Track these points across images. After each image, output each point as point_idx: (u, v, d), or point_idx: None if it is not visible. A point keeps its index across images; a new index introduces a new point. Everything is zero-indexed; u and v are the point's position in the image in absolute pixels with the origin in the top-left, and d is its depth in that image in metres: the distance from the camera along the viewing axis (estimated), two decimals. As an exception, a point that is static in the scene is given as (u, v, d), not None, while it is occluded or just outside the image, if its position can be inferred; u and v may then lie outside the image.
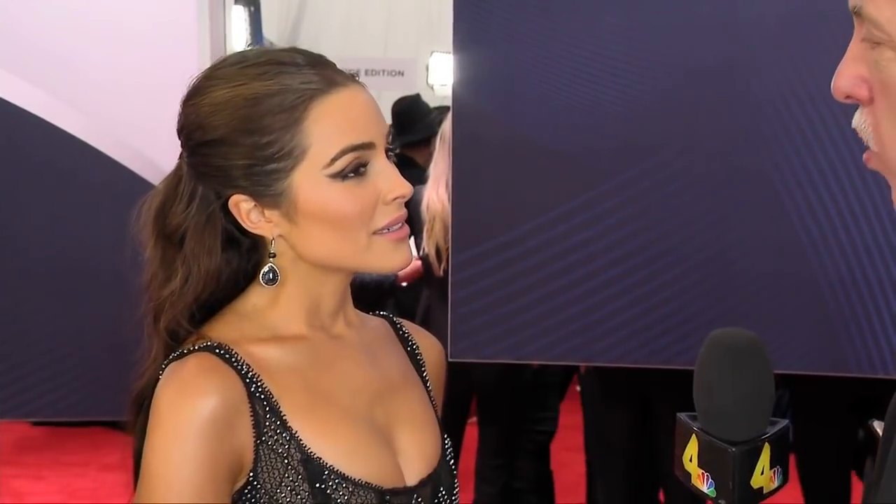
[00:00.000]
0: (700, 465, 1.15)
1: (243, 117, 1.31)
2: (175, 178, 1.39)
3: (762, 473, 1.13)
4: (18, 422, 5.58)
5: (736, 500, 1.12)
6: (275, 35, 8.51)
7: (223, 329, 1.36)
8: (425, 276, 4.20)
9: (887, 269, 2.91)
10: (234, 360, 1.32)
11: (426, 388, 1.51)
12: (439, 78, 7.30)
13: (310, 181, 1.32)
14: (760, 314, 3.00)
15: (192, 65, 2.62)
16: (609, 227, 3.03)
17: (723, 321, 3.01)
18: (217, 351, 1.32)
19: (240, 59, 1.36)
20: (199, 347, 1.33)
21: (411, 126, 5.29)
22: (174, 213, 1.37)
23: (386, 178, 1.34)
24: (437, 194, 3.89)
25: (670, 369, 3.20)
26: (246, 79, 1.33)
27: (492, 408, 4.19)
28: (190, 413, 1.27)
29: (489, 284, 3.06)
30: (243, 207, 1.34)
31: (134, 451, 1.35)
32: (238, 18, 7.01)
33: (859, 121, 0.99)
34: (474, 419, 4.34)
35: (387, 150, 1.37)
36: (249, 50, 1.40)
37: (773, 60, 2.88)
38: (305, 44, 10.08)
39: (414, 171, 5.03)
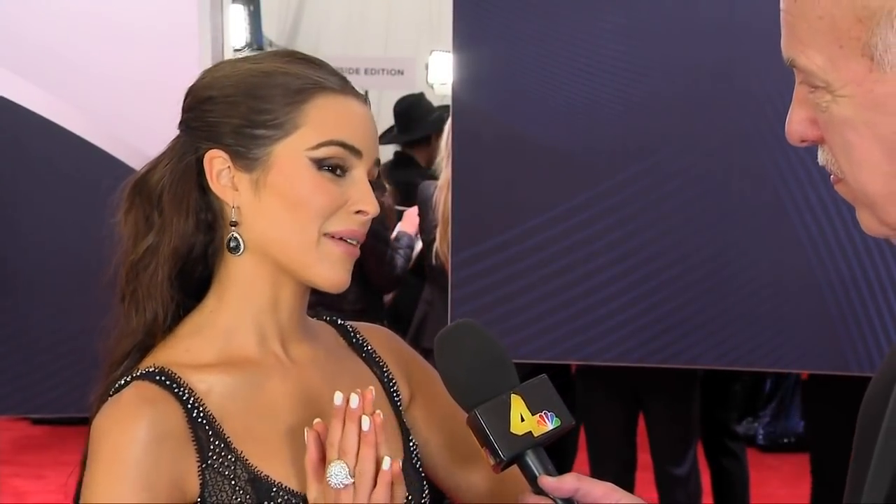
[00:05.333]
0: (481, 446, 1.24)
1: (252, 84, 1.35)
2: (162, 153, 1.42)
3: (522, 420, 1.23)
4: (18, 420, 5.59)
5: (500, 449, 1.22)
6: (274, 34, 8.50)
7: (174, 349, 1.36)
8: (429, 274, 4.20)
9: (887, 269, 2.91)
10: (175, 385, 1.32)
11: (390, 390, 1.50)
12: (439, 77, 7.30)
13: (289, 157, 1.33)
14: (760, 314, 3.00)
15: (193, 64, 2.62)
16: (608, 227, 3.03)
17: (722, 320, 3.02)
18: (158, 378, 1.32)
19: (277, 49, 1.46)
20: (141, 374, 1.33)
21: (412, 125, 5.29)
22: (156, 171, 1.39)
23: (360, 190, 1.35)
24: (450, 195, 3.87)
25: (661, 368, 3.20)
26: (269, 60, 1.38)
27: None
28: (125, 441, 1.27)
29: (488, 283, 3.06)
30: (216, 165, 1.36)
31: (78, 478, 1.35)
32: (237, 17, 7.01)
33: (823, 158, 1.03)
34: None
35: (371, 180, 1.37)
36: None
37: (773, 60, 2.87)
38: (305, 43, 10.03)
39: (414, 170, 5.04)
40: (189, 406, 1.31)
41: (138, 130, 2.76)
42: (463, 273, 3.06)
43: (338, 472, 1.26)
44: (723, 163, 2.99)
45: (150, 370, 1.33)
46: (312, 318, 1.51)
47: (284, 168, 1.33)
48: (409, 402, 1.52)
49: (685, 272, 3.02)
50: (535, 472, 1.24)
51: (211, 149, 1.35)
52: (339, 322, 1.54)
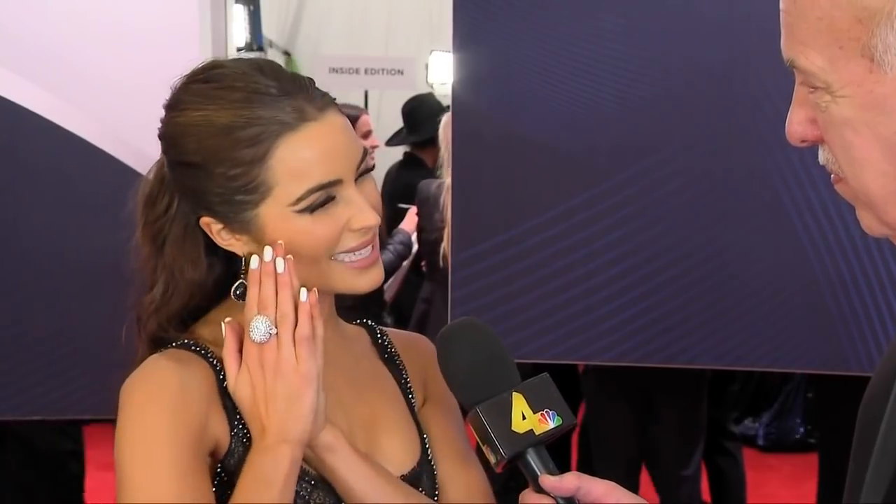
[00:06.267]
0: (480, 443, 1.25)
1: (215, 146, 1.33)
2: (162, 169, 1.43)
3: (524, 419, 1.23)
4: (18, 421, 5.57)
5: (501, 446, 1.22)
6: (275, 34, 8.49)
7: (206, 329, 1.41)
8: (427, 273, 4.20)
9: (887, 269, 2.91)
10: (209, 355, 1.37)
11: (407, 393, 1.54)
12: (439, 77, 7.29)
13: (276, 216, 1.34)
14: (760, 314, 3.01)
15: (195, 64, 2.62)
16: (608, 226, 3.03)
17: (722, 320, 3.02)
18: (192, 348, 1.37)
19: (217, 77, 1.37)
20: (175, 345, 1.38)
21: (417, 126, 5.28)
22: (158, 208, 1.41)
23: (354, 207, 1.36)
24: None
25: (671, 368, 3.21)
26: (220, 103, 1.34)
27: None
28: (155, 390, 1.31)
29: (488, 283, 3.06)
30: (214, 227, 1.38)
31: None
32: (238, 17, 7.00)
33: (823, 157, 1.03)
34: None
35: (360, 172, 1.37)
36: (227, 64, 1.40)
37: (773, 60, 2.87)
38: (305, 43, 9.94)
39: (422, 171, 5.04)
40: (221, 377, 1.35)
41: (140, 132, 2.74)
42: (463, 273, 3.07)
43: (260, 326, 1.30)
44: (723, 163, 2.99)
45: (183, 342, 1.38)
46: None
47: (277, 226, 1.35)
48: (421, 406, 1.56)
49: (685, 272, 3.02)
50: (537, 470, 1.24)
51: (203, 216, 1.38)
52: (370, 324, 1.59)
